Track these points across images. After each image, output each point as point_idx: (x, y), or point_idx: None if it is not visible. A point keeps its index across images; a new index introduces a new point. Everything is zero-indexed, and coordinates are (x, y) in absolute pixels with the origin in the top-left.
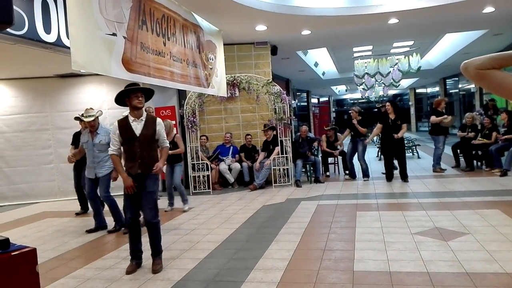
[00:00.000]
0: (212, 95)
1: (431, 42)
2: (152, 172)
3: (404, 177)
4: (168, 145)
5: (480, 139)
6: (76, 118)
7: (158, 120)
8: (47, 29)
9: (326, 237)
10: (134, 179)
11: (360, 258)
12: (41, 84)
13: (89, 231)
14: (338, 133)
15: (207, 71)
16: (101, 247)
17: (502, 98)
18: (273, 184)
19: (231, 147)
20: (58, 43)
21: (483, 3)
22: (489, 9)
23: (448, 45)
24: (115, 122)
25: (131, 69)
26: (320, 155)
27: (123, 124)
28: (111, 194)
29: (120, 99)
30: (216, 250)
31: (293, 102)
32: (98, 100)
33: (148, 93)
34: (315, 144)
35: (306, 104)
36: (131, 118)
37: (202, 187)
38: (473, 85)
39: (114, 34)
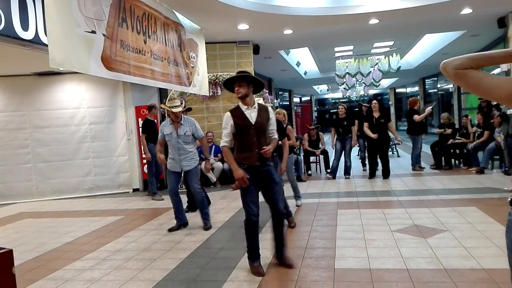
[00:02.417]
0: (194, 94)
1: (411, 43)
2: (262, 153)
3: (386, 175)
4: (277, 137)
5: (459, 138)
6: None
7: (270, 108)
8: (25, 26)
9: (308, 235)
10: (251, 171)
11: (341, 256)
12: (19, 82)
13: (171, 230)
14: (319, 132)
15: (189, 70)
16: (80, 248)
17: (476, 97)
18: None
19: (213, 146)
20: (36, 41)
21: (461, 4)
22: (466, 11)
23: (427, 45)
24: (227, 113)
25: (111, 67)
26: (302, 154)
27: (237, 113)
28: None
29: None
30: (198, 249)
31: (275, 101)
32: (77, 98)
33: (255, 81)
34: (297, 143)
35: (288, 103)
36: (243, 107)
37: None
38: (451, 85)
39: (93, 32)
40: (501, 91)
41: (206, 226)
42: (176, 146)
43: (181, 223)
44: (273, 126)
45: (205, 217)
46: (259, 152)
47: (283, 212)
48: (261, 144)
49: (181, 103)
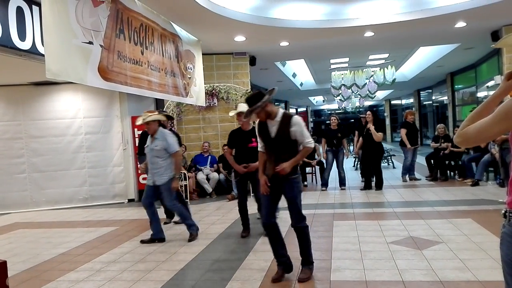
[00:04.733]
0: (191, 104)
1: (406, 55)
2: (277, 172)
3: (379, 186)
4: (311, 145)
5: (452, 148)
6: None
7: (295, 120)
8: (22, 36)
9: None
10: (271, 181)
11: (336, 268)
12: (15, 92)
13: (143, 242)
14: (316, 143)
15: (186, 81)
16: (75, 259)
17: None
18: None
19: (209, 157)
20: (33, 51)
21: (455, 18)
22: (460, 24)
23: (422, 58)
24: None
25: (108, 78)
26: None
27: (260, 124)
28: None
29: None
30: (193, 261)
31: None
32: (74, 108)
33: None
34: None
35: None
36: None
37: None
38: (446, 97)
39: (90, 43)
40: (498, 126)
41: (191, 237)
42: (150, 160)
43: (156, 237)
44: (300, 136)
45: (192, 226)
46: (276, 166)
47: (297, 223)
48: (279, 159)
49: (149, 118)
